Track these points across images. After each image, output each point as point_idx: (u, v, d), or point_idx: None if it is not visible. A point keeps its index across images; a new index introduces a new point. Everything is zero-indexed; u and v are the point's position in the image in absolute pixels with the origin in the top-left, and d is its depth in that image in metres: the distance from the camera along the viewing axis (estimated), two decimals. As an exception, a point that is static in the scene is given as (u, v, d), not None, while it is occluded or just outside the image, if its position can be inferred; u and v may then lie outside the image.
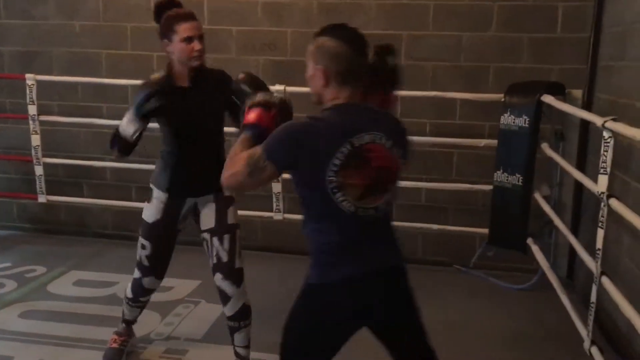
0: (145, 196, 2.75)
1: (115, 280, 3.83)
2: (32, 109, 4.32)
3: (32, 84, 4.28)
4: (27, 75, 4.30)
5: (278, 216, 4.24)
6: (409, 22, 4.20)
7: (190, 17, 2.45)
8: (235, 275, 2.58)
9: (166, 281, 3.81)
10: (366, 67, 1.81)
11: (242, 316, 2.62)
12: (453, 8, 4.12)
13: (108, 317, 3.33)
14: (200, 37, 2.45)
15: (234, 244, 2.59)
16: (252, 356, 2.74)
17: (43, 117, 4.38)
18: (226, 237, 2.58)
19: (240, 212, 2.75)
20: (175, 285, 3.78)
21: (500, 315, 3.53)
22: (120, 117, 4.50)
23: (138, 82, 4.36)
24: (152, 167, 4.45)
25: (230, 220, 2.61)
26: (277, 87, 4.07)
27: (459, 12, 4.11)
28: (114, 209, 4.69)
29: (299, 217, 1.83)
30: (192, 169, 2.59)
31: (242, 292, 2.61)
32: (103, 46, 4.60)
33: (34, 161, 4.41)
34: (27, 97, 4.30)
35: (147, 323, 3.24)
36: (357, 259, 1.72)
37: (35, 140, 4.37)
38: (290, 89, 4.18)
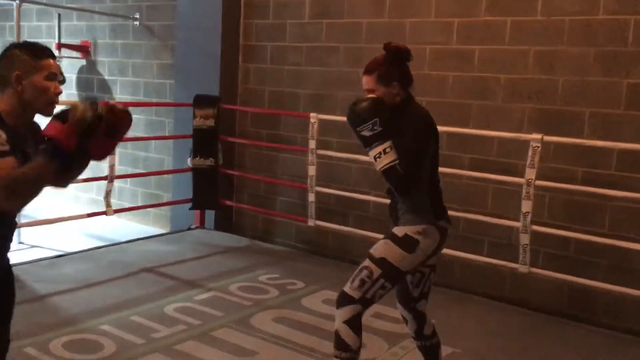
0: (404, 243, 2.56)
1: (357, 304, 4.11)
2: (312, 144, 4.96)
3: (314, 122, 4.92)
4: (311, 114, 4.96)
5: (523, 269, 4.06)
6: None
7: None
8: None
9: (399, 314, 4.00)
10: None
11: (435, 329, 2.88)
12: None
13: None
14: None
15: None
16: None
17: (320, 151, 4.98)
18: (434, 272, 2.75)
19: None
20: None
21: None
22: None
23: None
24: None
25: None
26: (534, 136, 3.96)
27: None
28: (373, 239, 5.03)
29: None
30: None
31: None
32: (379, 91, 5.04)
33: (308, 188, 5.04)
34: (309, 133, 4.96)
35: (373, 349, 3.42)
36: None
37: (312, 170, 4.99)
38: (551, 138, 4.02)
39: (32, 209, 7.01)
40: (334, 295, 4.34)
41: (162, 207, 6.52)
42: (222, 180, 5.81)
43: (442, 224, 2.61)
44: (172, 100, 6.28)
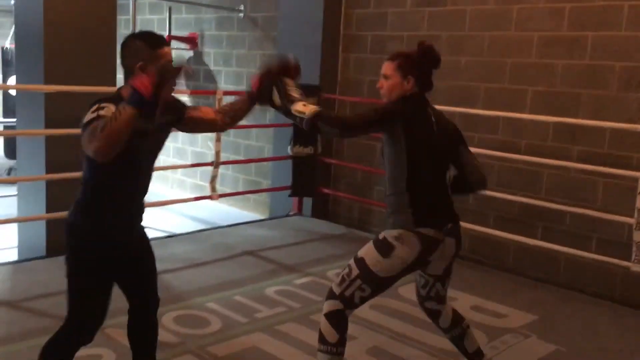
0: (380, 246, 2.49)
1: (454, 296, 4.06)
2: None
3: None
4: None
5: (637, 267, 3.84)
6: None
7: None
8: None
9: (500, 308, 3.93)
10: None
11: (458, 320, 2.83)
12: None
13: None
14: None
15: None
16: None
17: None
18: (447, 280, 2.72)
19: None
20: (510, 315, 3.81)
21: None
22: (489, 148, 4.72)
23: (511, 114, 4.63)
24: (513, 198, 4.63)
25: None
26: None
27: None
28: (470, 231, 4.94)
29: None
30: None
31: None
32: (482, 80, 4.93)
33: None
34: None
35: (473, 341, 3.38)
36: None
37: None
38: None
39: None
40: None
41: (262, 194, 6.73)
42: (320, 169, 5.90)
43: (425, 231, 2.45)
44: (274, 90, 6.43)
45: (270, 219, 6.23)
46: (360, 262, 2.50)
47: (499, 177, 4.83)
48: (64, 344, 2.37)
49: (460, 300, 4.03)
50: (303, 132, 5.85)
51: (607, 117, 4.23)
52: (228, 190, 6.84)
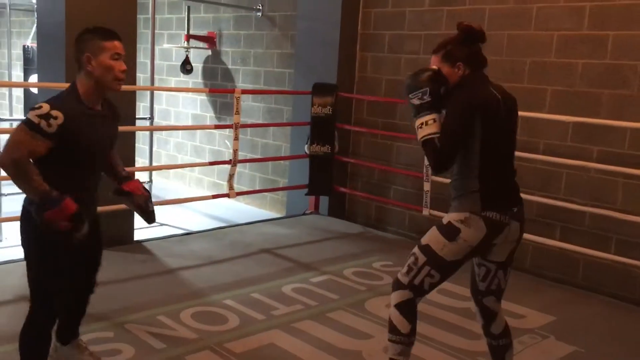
0: (446, 230, 2.46)
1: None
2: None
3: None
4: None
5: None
6: None
7: None
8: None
9: (518, 308, 3.91)
10: None
11: (509, 331, 2.74)
12: None
13: (457, 326, 3.59)
14: None
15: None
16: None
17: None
18: (508, 270, 2.65)
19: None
20: (528, 315, 3.79)
21: None
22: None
23: (530, 114, 4.60)
24: (531, 198, 4.58)
25: None
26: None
27: None
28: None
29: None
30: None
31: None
32: (501, 79, 4.89)
33: (424, 177, 5.01)
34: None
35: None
36: None
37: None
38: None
39: (159, 190, 7.49)
40: (446, 285, 4.31)
41: (278, 192, 6.75)
42: (337, 167, 5.91)
43: (491, 215, 2.41)
44: (291, 89, 6.46)
45: (287, 217, 6.25)
46: (425, 248, 2.49)
47: (517, 177, 4.79)
48: (39, 326, 2.44)
49: (478, 300, 4.01)
50: (320, 130, 5.93)
51: (628, 117, 4.19)
52: (245, 189, 6.87)
